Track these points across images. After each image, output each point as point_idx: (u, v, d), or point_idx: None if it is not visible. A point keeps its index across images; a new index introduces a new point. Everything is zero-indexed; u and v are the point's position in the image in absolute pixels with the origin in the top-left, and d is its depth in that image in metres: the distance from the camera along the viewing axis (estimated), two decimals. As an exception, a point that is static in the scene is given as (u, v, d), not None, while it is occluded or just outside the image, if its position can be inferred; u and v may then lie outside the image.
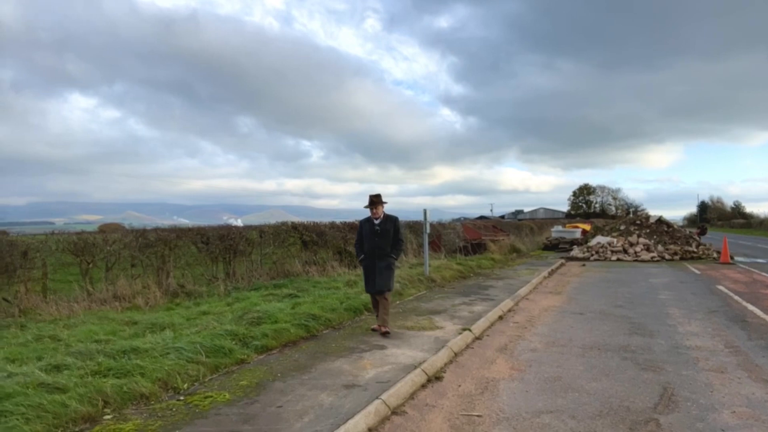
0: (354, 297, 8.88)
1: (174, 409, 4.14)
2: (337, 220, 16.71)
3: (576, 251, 21.47)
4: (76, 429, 3.73)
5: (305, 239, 14.38)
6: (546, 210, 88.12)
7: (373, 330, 6.88)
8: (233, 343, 5.78)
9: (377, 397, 4.34)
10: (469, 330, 6.99)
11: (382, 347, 6.13)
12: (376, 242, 6.77)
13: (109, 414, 4.00)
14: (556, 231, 27.56)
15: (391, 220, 6.88)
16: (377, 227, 6.79)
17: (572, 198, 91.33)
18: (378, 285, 6.74)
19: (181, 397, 4.41)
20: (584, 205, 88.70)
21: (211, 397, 4.40)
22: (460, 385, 4.97)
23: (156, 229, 12.13)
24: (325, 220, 16.78)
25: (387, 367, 5.28)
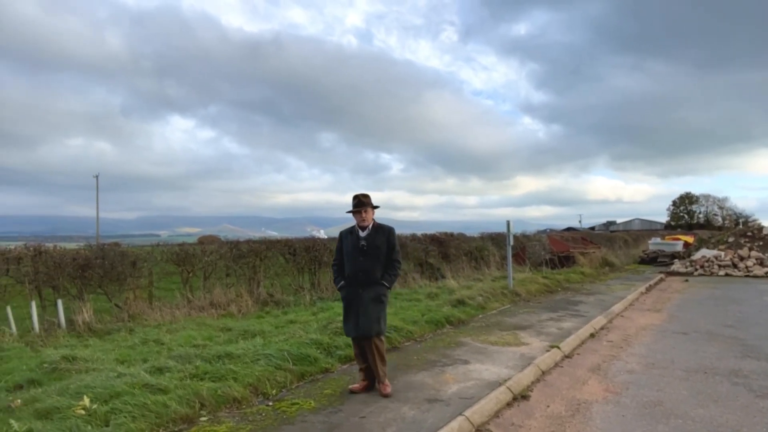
0: (435, 310, 8.80)
1: (263, 414, 4.30)
2: (418, 232, 16.72)
3: (677, 265, 19.84)
4: (176, 429, 3.99)
5: (387, 251, 14.50)
6: (642, 221, 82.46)
7: (352, 392, 4.84)
8: (318, 351, 5.93)
9: (460, 414, 4.24)
10: (558, 347, 6.66)
11: (465, 362, 6.00)
12: (361, 263, 4.80)
13: (204, 416, 4.25)
14: (654, 243, 25.66)
15: (383, 232, 4.92)
16: (363, 241, 4.84)
17: (672, 208, 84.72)
18: (362, 326, 4.72)
19: (270, 403, 4.58)
20: (686, 216, 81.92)
21: (298, 404, 4.52)
22: (548, 406, 4.73)
23: (248, 241, 12.81)
24: (406, 232, 16.85)
25: (470, 383, 5.16)
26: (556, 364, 6.17)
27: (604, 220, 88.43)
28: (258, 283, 11.48)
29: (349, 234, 4.99)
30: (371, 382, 4.93)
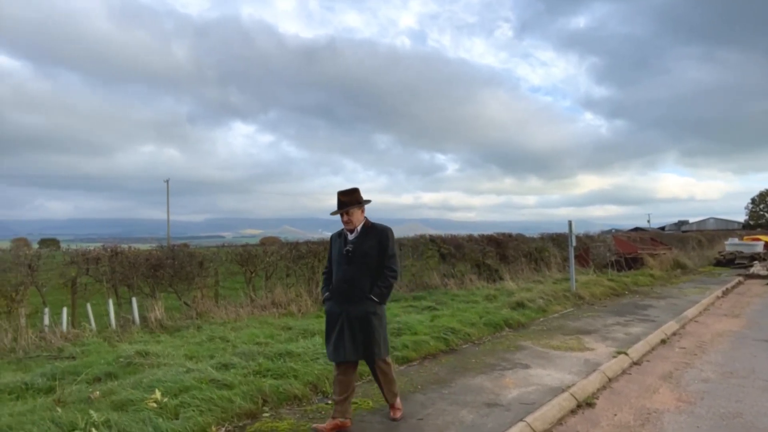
0: (494, 312, 8.63)
1: (323, 412, 4.37)
2: (475, 233, 16.48)
3: (757, 267, 18.42)
4: (240, 423, 4.13)
5: (443, 252, 14.40)
6: (717, 220, 77.26)
7: (315, 431, 3.94)
8: (375, 352, 5.95)
9: (521, 419, 4.13)
10: (625, 353, 6.35)
11: (526, 366, 5.84)
12: (346, 272, 4.03)
13: (267, 412, 4.37)
14: (731, 244, 23.96)
15: (374, 234, 4.10)
16: (349, 246, 4.08)
17: (750, 206, 78.83)
18: (347, 351, 3.95)
19: (329, 401, 4.64)
20: (766, 214, 76.01)
21: (356, 403, 4.56)
22: (615, 415, 4.52)
23: (307, 242, 13.09)
24: (463, 232, 16.65)
25: (531, 388, 5.01)
26: (624, 371, 5.89)
27: (675, 220, 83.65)
28: (317, 283, 11.70)
29: (338, 237, 4.25)
30: (343, 420, 4.01)
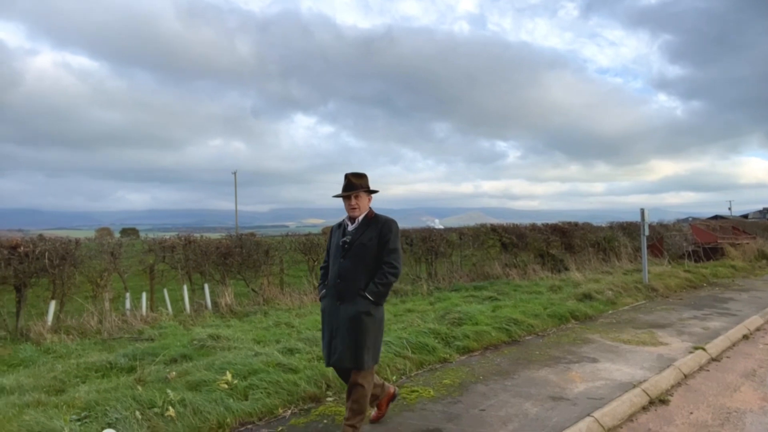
0: (558, 303, 8.37)
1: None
2: (538, 222, 16.02)
3: None
4: (305, 407, 4.26)
5: (505, 241, 14.11)
6: (809, 207, 70.71)
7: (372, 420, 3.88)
8: (436, 341, 5.95)
9: (589, 414, 3.99)
10: (703, 349, 5.97)
11: (594, 360, 5.63)
12: (342, 267, 3.61)
13: (330, 396, 4.48)
14: (826, 233, 21.86)
15: (376, 225, 3.66)
16: (347, 238, 3.67)
17: None
18: (339, 355, 3.53)
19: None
20: None
21: (417, 392, 4.59)
22: (691, 413, 4.27)
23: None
24: (525, 221, 16.23)
25: (599, 383, 4.83)
26: (701, 368, 5.55)
27: (759, 207, 77.34)
28: (377, 272, 11.82)
29: (337, 228, 3.84)
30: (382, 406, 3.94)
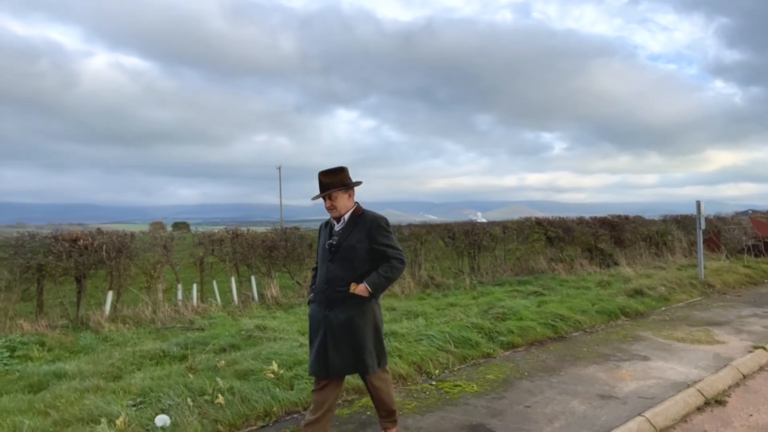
0: (608, 299, 8.11)
1: (427, 393, 4.43)
2: (586, 215, 15.55)
3: None
4: (349, 398, 4.32)
5: (550, 235, 13.78)
6: None
7: None
8: (479, 336, 5.89)
9: (640, 414, 3.86)
10: (764, 348, 5.66)
11: (645, 358, 5.43)
12: (329, 271, 3.29)
13: (373, 389, 4.52)
14: None
15: (363, 224, 3.31)
16: (333, 239, 3.33)
17: None
18: (330, 365, 3.20)
19: (433, 383, 4.69)
20: None
21: (460, 386, 4.56)
22: (751, 415, 4.05)
23: (409, 225, 13.23)
24: (572, 215, 15.79)
25: (650, 381, 4.66)
26: (762, 368, 5.25)
27: (829, 199, 72.22)
28: (419, 265, 11.81)
29: (324, 228, 3.49)
30: None
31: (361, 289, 3.17)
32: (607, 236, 14.57)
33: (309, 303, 3.48)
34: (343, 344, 3.19)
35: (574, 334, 6.61)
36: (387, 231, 3.31)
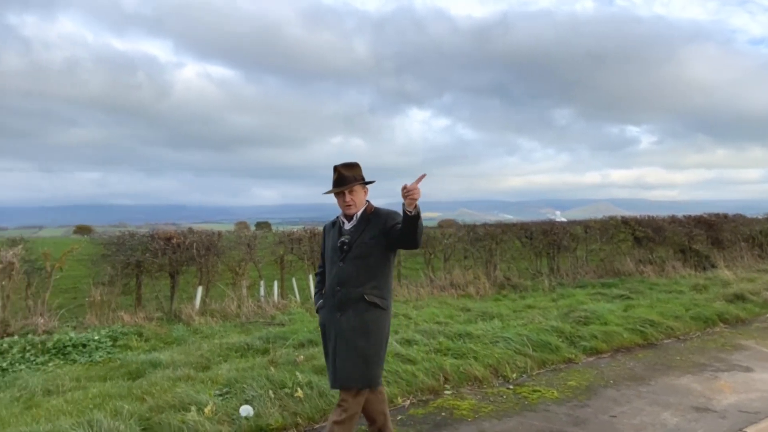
0: (704, 304, 7.50)
1: (504, 397, 4.32)
2: (678, 213, 14.47)
3: None
4: (423, 398, 4.30)
5: (638, 235, 12.96)
6: None
7: None
8: (560, 340, 5.66)
9: (741, 430, 3.53)
10: None
11: (747, 369, 4.96)
12: (341, 272, 3.03)
13: (448, 390, 4.47)
14: None
15: (377, 221, 3.05)
16: (345, 237, 3.08)
17: None
18: (339, 373, 2.96)
19: (510, 386, 4.56)
20: None
21: (539, 391, 4.40)
22: None
23: (484, 225, 12.98)
24: (661, 213, 14.75)
25: (753, 395, 4.24)
26: None
27: None
28: (495, 266, 11.55)
29: (331, 227, 3.24)
30: None
31: (416, 188, 2.68)
32: (703, 236, 13.48)
33: (318, 311, 3.20)
34: (353, 352, 2.90)
35: (665, 341, 6.17)
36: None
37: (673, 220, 13.81)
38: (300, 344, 5.97)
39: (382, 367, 3.06)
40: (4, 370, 5.51)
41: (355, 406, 2.94)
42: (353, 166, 3.11)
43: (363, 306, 2.94)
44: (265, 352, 5.70)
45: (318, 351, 5.33)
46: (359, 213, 3.10)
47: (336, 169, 3.07)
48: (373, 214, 3.09)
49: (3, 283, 7.22)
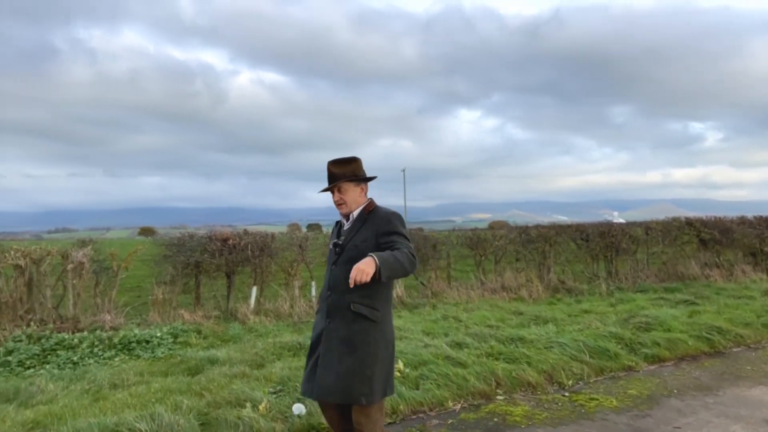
0: (779, 311, 6.99)
1: (559, 404, 4.18)
2: (748, 214, 13.57)
3: None
4: (475, 402, 4.23)
5: (704, 237, 12.25)
6: None
7: None
8: (618, 347, 5.43)
9: (824, 450, 3.25)
10: None
11: (830, 383, 4.57)
12: (332, 275, 2.86)
13: (500, 395, 4.38)
14: None
15: (372, 222, 2.82)
16: (340, 239, 2.91)
17: None
18: (328, 388, 2.71)
19: (566, 393, 4.41)
20: None
21: (597, 399, 4.24)
22: None
23: (537, 226, 12.67)
24: (730, 214, 13.88)
25: (840, 412, 3.90)
26: None
27: None
28: (548, 269, 11.24)
29: (335, 227, 3.10)
30: None
31: (366, 261, 2.47)
32: (777, 238, 12.58)
33: (316, 313, 3.04)
34: (337, 364, 2.67)
35: (734, 349, 5.80)
36: (399, 228, 2.76)
37: (743, 221, 12.97)
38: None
39: (377, 384, 2.69)
40: (75, 363, 5.88)
41: (371, 425, 2.70)
42: (346, 162, 2.89)
43: (350, 316, 2.71)
44: (317, 352, 5.78)
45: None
46: (355, 213, 2.89)
47: (327, 165, 2.90)
48: (370, 214, 2.85)
49: (74, 281, 7.70)
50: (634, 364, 5.16)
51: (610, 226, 12.58)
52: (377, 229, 2.75)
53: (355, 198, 2.88)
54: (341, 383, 2.65)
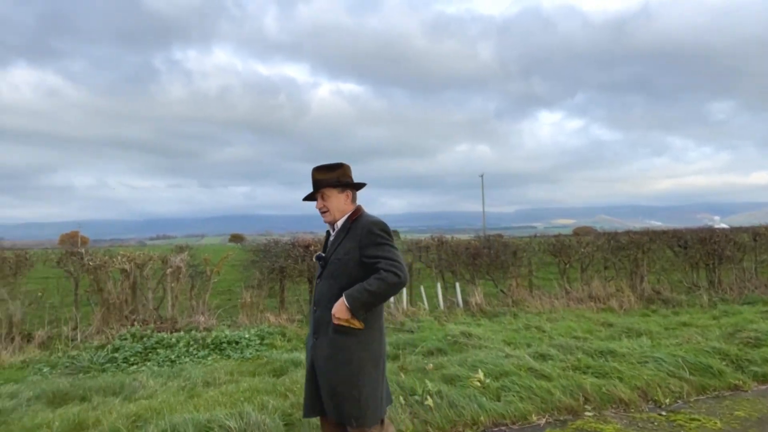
0: None
1: (655, 423, 3.88)
2: None
3: None
4: (561, 417, 4.03)
5: (825, 244, 10.92)
6: None
7: None
8: (723, 363, 4.95)
9: None
10: None
11: None
12: (317, 289, 2.73)
13: (589, 411, 4.14)
14: None
15: (355, 232, 2.63)
16: (323, 253, 2.78)
17: None
18: (307, 405, 2.67)
19: (663, 413, 4.09)
20: None
21: (698, 420, 3.89)
22: None
23: (628, 232, 11.93)
24: None
25: None
26: None
27: None
28: (641, 278, 10.52)
29: (325, 238, 2.92)
30: None
31: (338, 306, 2.46)
32: None
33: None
34: (325, 384, 2.56)
35: None
36: (382, 239, 2.56)
37: None
38: (429, 352, 5.98)
39: (368, 405, 2.52)
40: (172, 361, 6.32)
41: None
42: (330, 168, 2.74)
43: (332, 332, 2.54)
44: (395, 357, 5.80)
45: (447, 360, 5.30)
46: (340, 222, 2.72)
47: (311, 172, 2.76)
48: (354, 223, 2.67)
49: (172, 285, 8.31)
50: (741, 383, 4.68)
51: (711, 231, 11.59)
52: (360, 240, 2.58)
53: (339, 205, 2.73)
54: (332, 403, 2.55)
